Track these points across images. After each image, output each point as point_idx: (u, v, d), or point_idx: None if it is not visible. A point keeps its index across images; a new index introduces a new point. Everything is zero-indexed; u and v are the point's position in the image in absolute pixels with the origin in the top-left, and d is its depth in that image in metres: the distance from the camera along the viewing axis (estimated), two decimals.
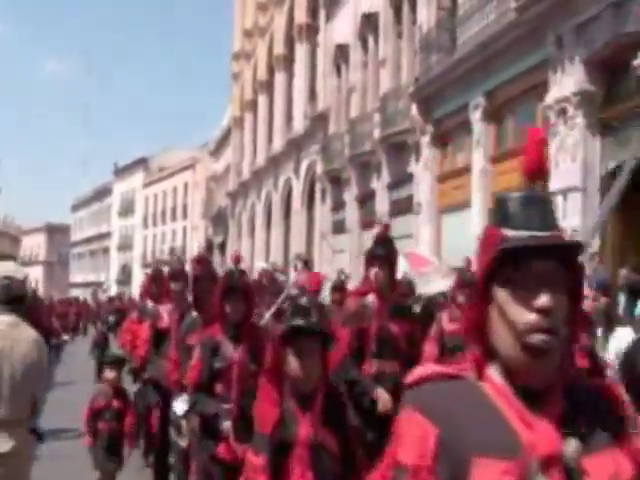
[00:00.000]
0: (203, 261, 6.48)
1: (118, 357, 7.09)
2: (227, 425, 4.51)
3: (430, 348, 6.20)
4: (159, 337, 6.86)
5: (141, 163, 60.65)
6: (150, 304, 7.63)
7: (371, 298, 5.15)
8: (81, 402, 6.82)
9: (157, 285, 7.87)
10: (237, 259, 5.00)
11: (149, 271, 8.25)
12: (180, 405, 5.72)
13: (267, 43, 33.21)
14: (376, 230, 8.15)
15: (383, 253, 5.19)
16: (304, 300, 3.36)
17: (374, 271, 5.12)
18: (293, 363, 3.22)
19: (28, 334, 4.40)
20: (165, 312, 6.94)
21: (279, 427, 3.21)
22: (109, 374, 6.63)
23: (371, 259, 5.21)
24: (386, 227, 5.91)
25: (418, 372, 1.57)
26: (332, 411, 3.33)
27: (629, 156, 10.67)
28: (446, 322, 6.55)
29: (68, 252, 78.13)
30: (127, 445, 6.67)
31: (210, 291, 5.45)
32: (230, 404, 4.56)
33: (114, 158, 79.44)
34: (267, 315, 7.45)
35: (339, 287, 9.77)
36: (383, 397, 4.91)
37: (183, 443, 5.84)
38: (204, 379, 4.58)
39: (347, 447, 3.33)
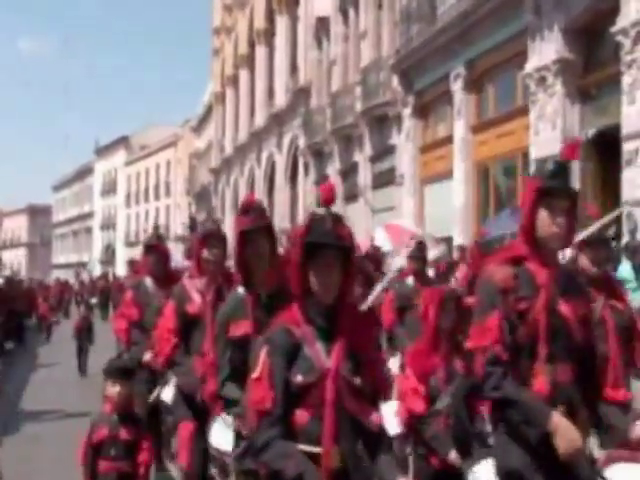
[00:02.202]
0: (256, 208, 4.00)
1: (125, 365, 4.91)
2: None
3: None
4: (187, 326, 5.01)
5: (122, 141, 60.22)
6: (149, 282, 6.57)
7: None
8: (65, 382, 6.38)
9: (159, 259, 6.63)
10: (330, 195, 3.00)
11: (150, 240, 6.89)
12: (223, 433, 4.10)
13: (247, 17, 32.98)
14: None
15: None
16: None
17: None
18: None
19: None
20: (194, 290, 5.02)
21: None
22: (113, 390, 4.59)
23: None
24: None
25: None
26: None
27: (608, 123, 10.82)
28: None
29: (50, 233, 77.69)
30: None
31: (267, 255, 3.93)
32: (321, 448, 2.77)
33: (95, 137, 78.71)
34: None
35: None
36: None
37: None
38: (278, 407, 2.79)
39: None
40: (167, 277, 6.44)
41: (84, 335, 14.77)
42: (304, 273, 2.87)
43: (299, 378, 2.80)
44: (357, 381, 2.83)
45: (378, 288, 6.62)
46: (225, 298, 4.40)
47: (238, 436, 3.76)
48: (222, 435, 4.12)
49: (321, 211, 2.92)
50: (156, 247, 6.69)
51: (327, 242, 2.84)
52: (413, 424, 4.71)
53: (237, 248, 3.92)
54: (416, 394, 4.63)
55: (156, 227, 7.64)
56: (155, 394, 6.01)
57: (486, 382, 3.00)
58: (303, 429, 2.79)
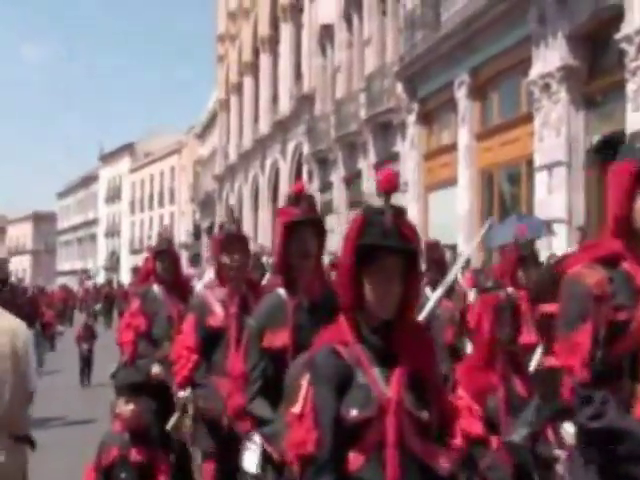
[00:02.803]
0: (306, 198, 3.47)
1: (139, 380, 4.49)
2: None
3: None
4: (209, 342, 4.44)
5: (127, 148, 60.34)
6: (158, 289, 5.99)
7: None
8: (69, 389, 6.12)
9: (169, 265, 6.05)
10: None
11: (157, 243, 6.35)
12: (254, 458, 3.52)
13: (252, 24, 33.05)
14: None
15: None
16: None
17: None
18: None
19: (9, 323, 3.60)
20: (216, 301, 4.48)
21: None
22: (126, 408, 4.18)
23: None
24: None
25: None
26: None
27: (612, 129, 10.80)
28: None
29: (55, 240, 77.79)
30: None
31: (314, 254, 3.46)
32: None
33: (99, 144, 78.89)
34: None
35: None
36: None
37: None
38: (326, 451, 2.28)
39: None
40: (177, 284, 6.09)
41: (86, 344, 14.26)
42: (357, 281, 2.35)
43: (353, 413, 2.24)
44: (423, 415, 2.33)
45: (436, 295, 5.31)
46: (250, 309, 3.99)
47: (267, 460, 3.32)
48: (252, 461, 3.52)
49: (379, 204, 2.38)
50: (167, 252, 6.15)
51: (387, 245, 2.31)
52: (467, 449, 3.67)
53: (280, 244, 3.36)
54: (472, 414, 3.91)
55: (165, 230, 7.24)
56: (172, 422, 4.85)
57: (581, 409, 2.35)
58: (358, 476, 2.25)
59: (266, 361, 3.39)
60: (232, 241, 4.47)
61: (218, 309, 4.43)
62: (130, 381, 4.38)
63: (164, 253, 6.12)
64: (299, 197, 3.44)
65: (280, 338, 3.35)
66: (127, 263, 50.52)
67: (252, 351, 3.44)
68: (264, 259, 14.90)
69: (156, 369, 5.62)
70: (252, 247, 17.43)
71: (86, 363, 14.06)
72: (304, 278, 3.42)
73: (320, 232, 3.49)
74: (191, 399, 4.54)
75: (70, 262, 71.54)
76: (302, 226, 3.37)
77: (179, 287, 6.06)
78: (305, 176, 25.61)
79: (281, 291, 3.47)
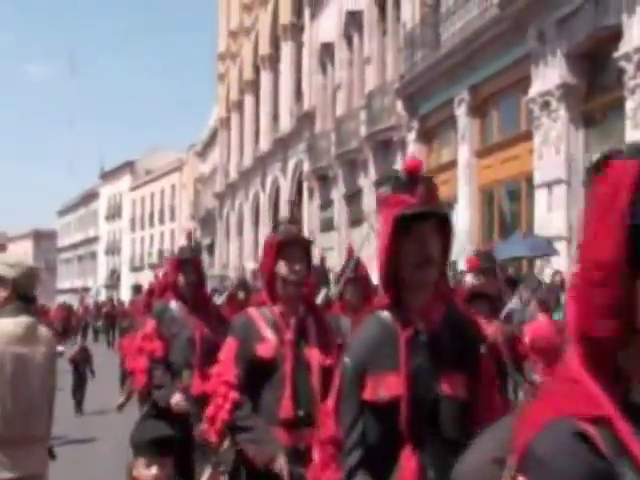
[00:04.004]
0: (424, 180, 2.38)
1: (161, 435, 3.15)
2: None
3: None
4: (256, 377, 3.39)
5: (127, 166, 60.46)
6: (177, 306, 5.04)
7: None
8: (67, 408, 5.90)
9: (194, 278, 5.07)
10: None
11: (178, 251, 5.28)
12: None
13: (252, 43, 33.25)
14: None
15: None
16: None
17: None
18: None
19: (46, 338, 3.56)
20: (266, 324, 3.44)
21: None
22: (146, 472, 3.04)
23: None
24: None
25: None
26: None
27: (612, 148, 10.82)
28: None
29: (55, 258, 77.78)
30: None
31: (437, 261, 2.31)
32: None
33: (100, 162, 79.12)
34: None
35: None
36: None
37: None
38: None
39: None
40: (200, 301, 5.12)
41: (81, 368, 12.47)
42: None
43: None
44: None
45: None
46: (310, 336, 3.35)
47: None
48: None
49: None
50: (193, 262, 5.14)
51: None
52: None
53: (388, 246, 2.34)
54: None
55: (189, 234, 5.63)
56: None
57: None
58: None
59: (368, 418, 2.34)
60: (292, 246, 3.38)
61: (269, 334, 3.38)
62: (153, 437, 3.10)
63: (189, 263, 5.11)
64: (414, 178, 2.35)
65: (390, 386, 2.30)
66: (127, 281, 50.47)
67: (348, 404, 2.37)
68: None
69: (177, 398, 4.77)
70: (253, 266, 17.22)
71: (79, 389, 12.33)
72: (420, 296, 2.36)
73: (445, 230, 2.39)
74: (229, 452, 3.55)
75: (70, 280, 71.49)
76: (418, 221, 2.31)
77: (202, 305, 5.12)
78: (305, 193, 25.67)
79: (385, 315, 2.39)
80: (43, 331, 3.57)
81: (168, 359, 4.94)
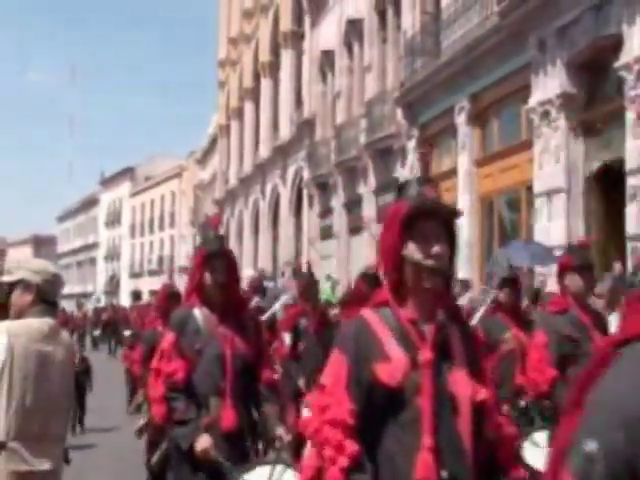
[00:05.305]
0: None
1: None
2: None
3: None
4: (378, 410, 2.33)
5: (127, 172, 60.49)
6: (202, 314, 4.02)
7: None
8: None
9: (225, 277, 3.98)
10: None
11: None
12: None
13: (252, 50, 33.29)
14: None
15: None
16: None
17: None
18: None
19: (68, 341, 3.68)
20: (391, 336, 2.34)
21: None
22: None
23: None
24: None
25: None
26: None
27: (612, 157, 10.84)
28: None
29: (55, 264, 77.50)
30: None
31: None
32: None
33: (100, 168, 79.07)
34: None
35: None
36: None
37: None
38: None
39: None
40: (233, 306, 4.03)
41: (81, 380, 10.78)
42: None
43: None
44: None
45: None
46: (454, 354, 2.31)
47: None
48: None
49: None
50: (222, 255, 4.02)
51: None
52: None
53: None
54: None
55: (215, 221, 4.70)
56: None
57: None
58: None
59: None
60: (428, 219, 2.33)
61: (396, 350, 2.29)
62: None
63: (217, 258, 3.99)
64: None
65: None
66: (127, 287, 50.43)
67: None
68: (265, 282, 14.94)
69: (204, 443, 3.73)
70: (251, 272, 17.21)
71: (78, 403, 10.98)
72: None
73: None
74: None
75: (70, 286, 71.42)
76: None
77: (235, 311, 4.04)
78: (305, 201, 25.66)
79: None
80: (65, 335, 3.68)
81: (191, 383, 3.89)
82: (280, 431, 3.92)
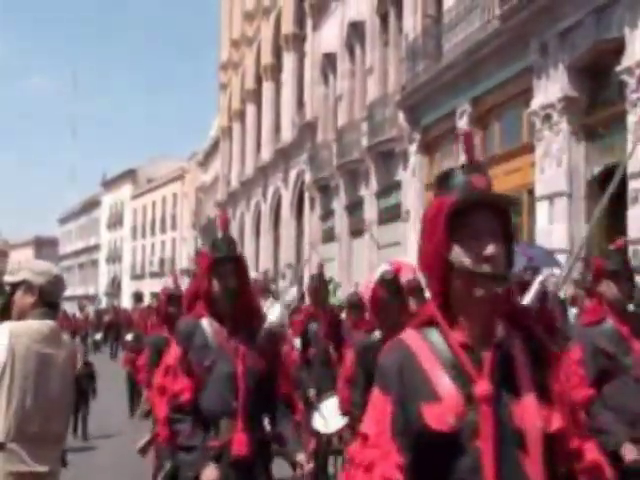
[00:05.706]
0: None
1: None
2: None
3: None
4: (424, 458, 1.86)
5: (129, 175, 60.53)
6: (210, 326, 3.68)
7: None
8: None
9: (235, 281, 3.64)
10: None
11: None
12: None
13: (254, 53, 33.32)
14: None
15: None
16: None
17: None
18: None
19: (69, 344, 3.67)
20: (437, 362, 1.90)
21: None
22: None
23: None
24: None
25: None
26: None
27: (614, 161, 10.82)
28: None
29: (57, 265, 77.56)
30: None
31: None
32: None
33: (101, 170, 79.16)
34: None
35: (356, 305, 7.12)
36: None
37: None
38: None
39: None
40: (244, 317, 3.67)
41: (85, 385, 10.56)
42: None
43: None
44: None
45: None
46: (519, 379, 1.87)
47: None
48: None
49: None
50: (233, 261, 3.68)
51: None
52: None
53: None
54: None
55: (224, 222, 4.03)
56: None
57: None
58: None
59: None
60: (479, 214, 1.91)
61: (447, 388, 1.86)
62: None
63: (227, 263, 3.64)
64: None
65: None
66: (128, 289, 50.47)
67: None
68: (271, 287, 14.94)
69: (211, 474, 3.44)
70: (254, 275, 17.36)
71: (81, 409, 10.76)
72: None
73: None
74: None
75: (71, 288, 71.41)
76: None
77: (248, 323, 3.70)
78: (307, 204, 25.67)
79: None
80: (66, 337, 3.68)
81: (198, 404, 3.55)
82: (301, 457, 3.58)
